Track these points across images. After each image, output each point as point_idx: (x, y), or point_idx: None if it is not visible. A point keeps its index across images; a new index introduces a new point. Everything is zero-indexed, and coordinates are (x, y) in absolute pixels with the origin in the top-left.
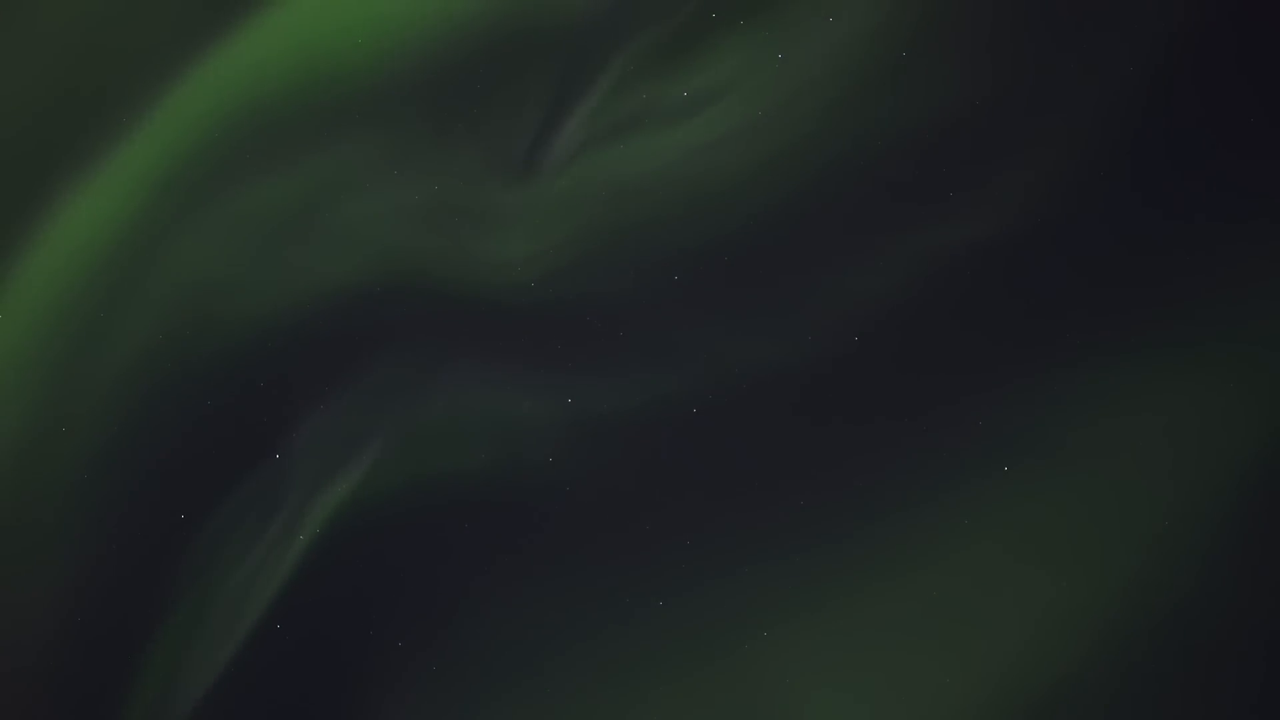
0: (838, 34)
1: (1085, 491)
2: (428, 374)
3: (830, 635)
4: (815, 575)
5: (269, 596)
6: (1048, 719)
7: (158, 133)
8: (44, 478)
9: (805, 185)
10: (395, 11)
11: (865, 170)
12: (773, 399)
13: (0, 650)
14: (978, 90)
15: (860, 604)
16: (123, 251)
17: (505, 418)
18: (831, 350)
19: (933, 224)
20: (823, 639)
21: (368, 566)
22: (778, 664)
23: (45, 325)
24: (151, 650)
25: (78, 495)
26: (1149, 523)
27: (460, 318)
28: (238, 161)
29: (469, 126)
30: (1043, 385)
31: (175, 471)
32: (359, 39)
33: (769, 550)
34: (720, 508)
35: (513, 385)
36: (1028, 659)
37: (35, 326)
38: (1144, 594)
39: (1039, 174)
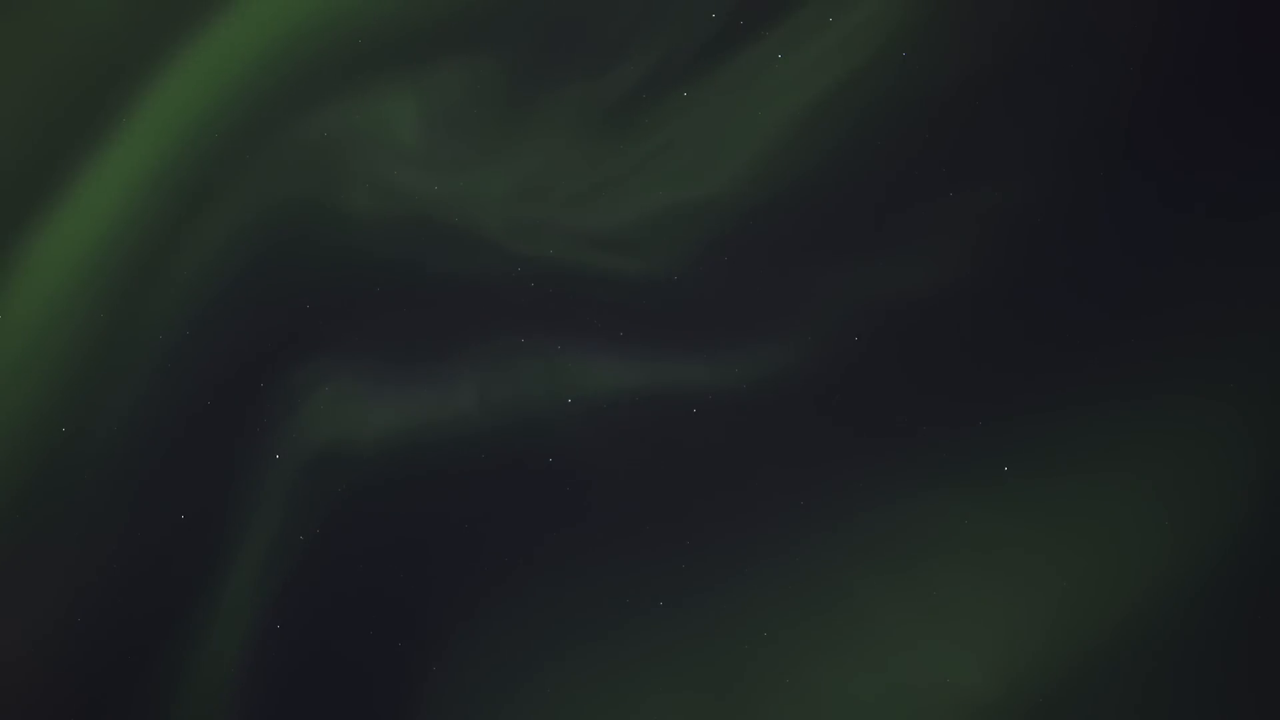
0: (838, 34)
1: (1086, 491)
2: (427, 375)
3: (829, 635)
4: (815, 575)
5: (269, 596)
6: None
7: (149, 128)
8: (44, 479)
9: (805, 185)
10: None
11: (865, 170)
12: (772, 399)
13: (1, 651)
14: (978, 91)
15: (860, 604)
16: (121, 251)
17: (505, 418)
18: (831, 350)
19: (933, 224)
20: (822, 639)
21: (367, 566)
22: (778, 663)
23: (44, 326)
24: (152, 650)
25: (78, 496)
26: (1150, 522)
27: (458, 319)
28: (228, 158)
29: (460, 133)
30: (1043, 385)
31: (175, 471)
32: (359, 39)
33: (769, 550)
34: (719, 508)
35: (512, 386)
36: (1028, 660)
37: (35, 327)
38: (1146, 594)
39: (1040, 174)
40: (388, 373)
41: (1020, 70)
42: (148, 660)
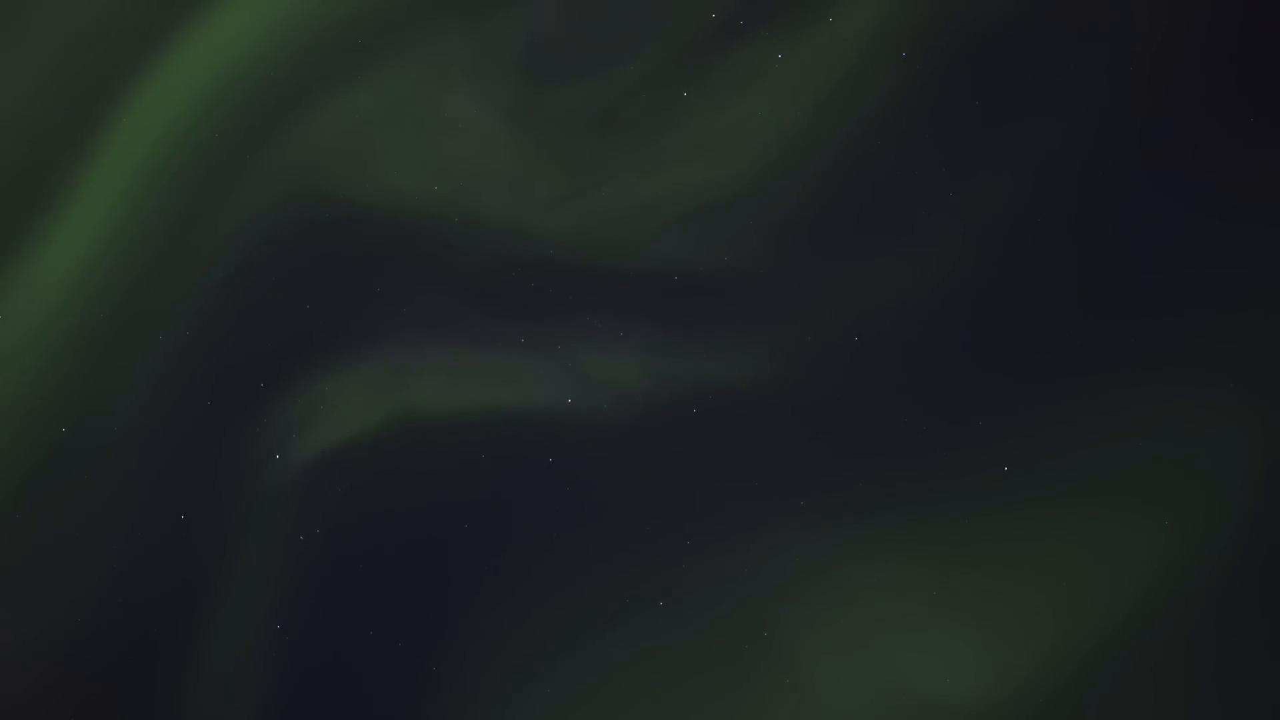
0: (838, 34)
1: (1086, 491)
2: (427, 374)
3: (830, 635)
4: (814, 575)
5: (269, 597)
6: None
7: (147, 127)
8: (43, 478)
9: (805, 185)
10: None
11: (864, 170)
12: (772, 399)
13: (1, 652)
14: (978, 90)
15: (860, 604)
16: (120, 251)
17: (505, 418)
18: (831, 349)
19: (933, 223)
20: (822, 639)
21: (367, 567)
22: (778, 663)
23: (44, 325)
24: (152, 651)
25: (78, 496)
26: (1151, 522)
27: (458, 318)
28: (227, 157)
29: (460, 132)
30: (1043, 385)
31: (175, 471)
32: (359, 36)
33: (768, 550)
34: (720, 507)
35: (513, 386)
36: (1028, 661)
37: (34, 326)
38: (1147, 594)
39: (1040, 174)
40: (387, 372)
41: (1020, 71)
42: (147, 660)
